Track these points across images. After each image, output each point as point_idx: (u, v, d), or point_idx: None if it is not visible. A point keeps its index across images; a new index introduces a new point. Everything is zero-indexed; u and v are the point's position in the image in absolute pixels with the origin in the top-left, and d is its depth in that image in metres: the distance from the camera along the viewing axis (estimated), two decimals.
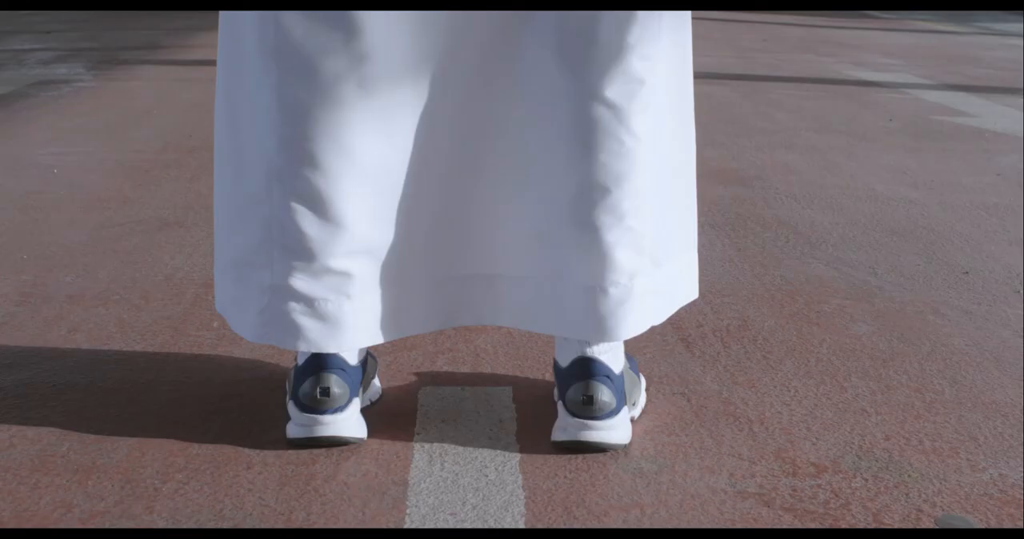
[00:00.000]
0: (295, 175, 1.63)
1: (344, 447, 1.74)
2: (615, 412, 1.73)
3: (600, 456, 1.72)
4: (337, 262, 1.66)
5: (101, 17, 10.64)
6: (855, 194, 3.53)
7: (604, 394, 1.72)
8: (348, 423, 1.74)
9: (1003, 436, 1.82)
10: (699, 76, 6.59)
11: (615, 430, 1.73)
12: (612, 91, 1.63)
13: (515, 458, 1.71)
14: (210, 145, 4.17)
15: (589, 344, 1.73)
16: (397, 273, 1.71)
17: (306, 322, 1.67)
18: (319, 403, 1.72)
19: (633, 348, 2.18)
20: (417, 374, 2.05)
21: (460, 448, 1.75)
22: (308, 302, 1.67)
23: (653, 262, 1.72)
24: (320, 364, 1.73)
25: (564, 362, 1.75)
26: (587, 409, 1.71)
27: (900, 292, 2.57)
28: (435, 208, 1.70)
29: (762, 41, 9.21)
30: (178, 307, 2.40)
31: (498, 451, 1.74)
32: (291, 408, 1.75)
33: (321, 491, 1.60)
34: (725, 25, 10.96)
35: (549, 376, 2.05)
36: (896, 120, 5.05)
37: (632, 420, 1.84)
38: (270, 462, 1.69)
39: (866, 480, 1.66)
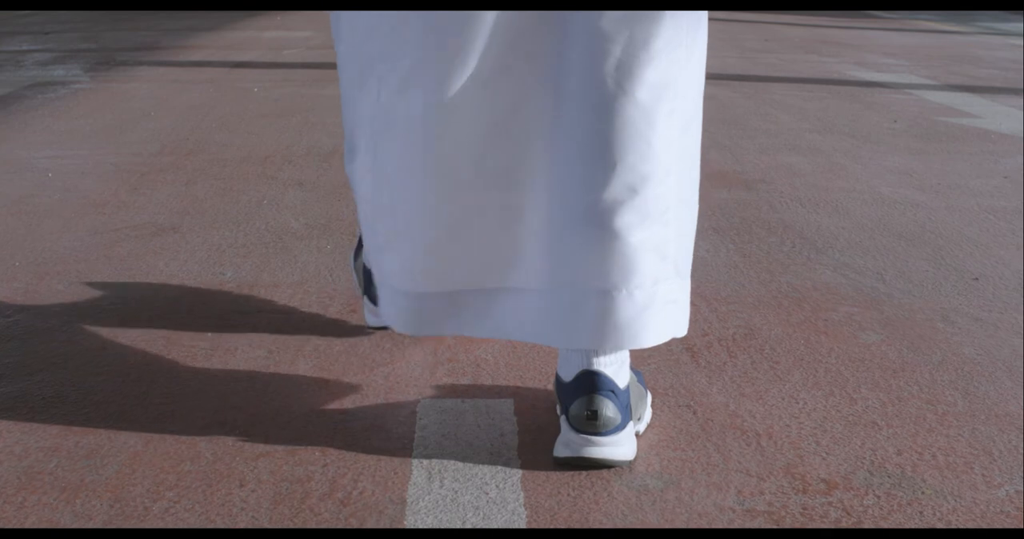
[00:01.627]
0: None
1: (339, 466, 1.69)
2: (620, 428, 1.68)
3: (604, 472, 1.67)
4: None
5: (100, 17, 10.58)
6: (861, 197, 3.48)
7: (609, 409, 1.67)
8: None
9: (1018, 450, 1.77)
10: None
11: (620, 446, 1.68)
12: (642, 93, 1.58)
13: (516, 475, 1.66)
14: (206, 148, 4.12)
15: (596, 355, 1.68)
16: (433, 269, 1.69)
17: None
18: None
19: (637, 358, 2.13)
20: (416, 386, 2.00)
21: (460, 464, 1.70)
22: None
23: (676, 270, 1.67)
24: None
25: (568, 376, 1.70)
26: (591, 425, 1.67)
27: (909, 299, 2.52)
28: (458, 214, 1.66)
29: (763, 41, 9.15)
30: (172, 317, 2.35)
31: (499, 467, 1.69)
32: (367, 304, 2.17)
33: (316, 510, 1.55)
34: (726, 25, 10.90)
35: (551, 387, 1.99)
36: (900, 121, 5.00)
37: (637, 435, 1.78)
38: (264, 479, 1.64)
39: (878, 497, 1.61)
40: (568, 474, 1.66)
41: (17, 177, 3.63)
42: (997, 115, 5.24)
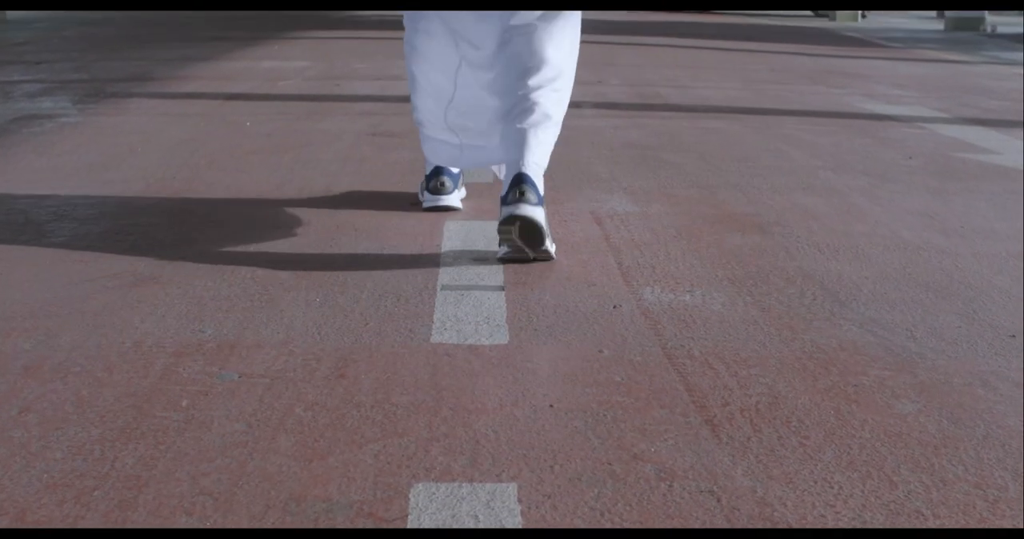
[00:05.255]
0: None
1: None
2: (539, 204, 2.95)
3: None
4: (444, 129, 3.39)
5: (93, 46, 10.43)
6: (882, 243, 3.29)
7: (531, 192, 2.94)
8: (453, 199, 3.55)
9: None
10: (707, 109, 6.37)
11: (538, 212, 2.93)
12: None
13: None
14: (192, 188, 3.93)
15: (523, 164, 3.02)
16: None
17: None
18: (440, 189, 3.53)
19: (652, 433, 1.94)
20: (408, 466, 1.80)
21: None
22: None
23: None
24: (438, 170, 3.54)
25: (507, 178, 2.99)
26: (521, 199, 2.93)
27: (944, 360, 2.33)
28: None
29: (768, 71, 8.99)
30: (144, 381, 2.16)
31: None
32: (425, 194, 3.57)
33: None
34: (730, 54, 10.75)
35: (559, 468, 1.80)
36: (915, 158, 4.82)
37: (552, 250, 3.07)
38: None
39: None
40: None
41: None
42: (1014, 151, 5.06)
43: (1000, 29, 16.40)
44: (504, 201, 2.94)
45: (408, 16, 3.30)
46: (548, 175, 4.03)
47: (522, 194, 2.90)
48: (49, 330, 2.44)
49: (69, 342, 2.37)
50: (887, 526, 1.63)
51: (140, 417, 1.99)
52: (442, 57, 3.24)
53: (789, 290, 2.80)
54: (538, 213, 2.91)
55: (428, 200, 3.56)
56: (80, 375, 2.19)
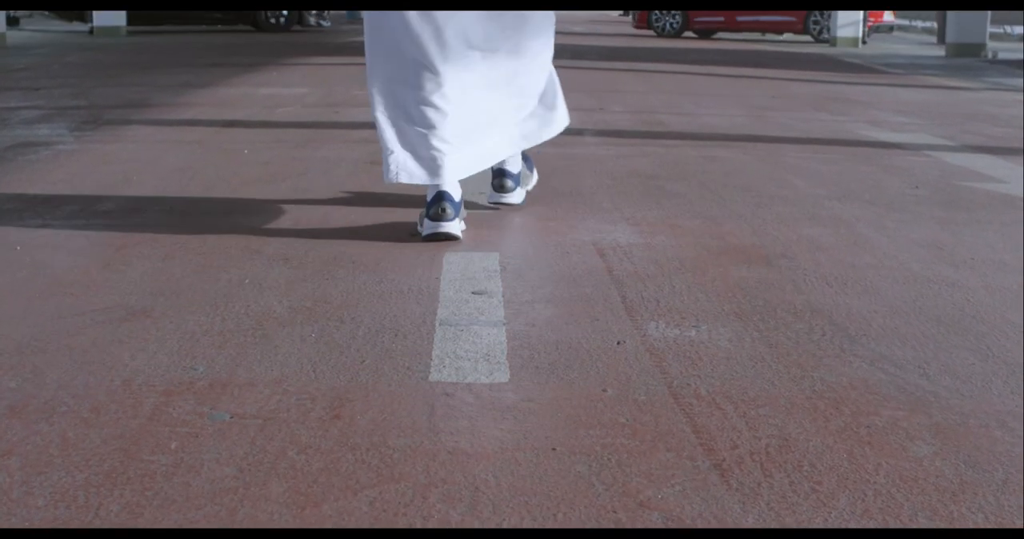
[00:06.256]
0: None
1: None
2: (514, 189, 3.92)
3: None
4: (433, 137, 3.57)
5: (94, 72, 10.40)
6: (891, 275, 3.22)
7: (508, 181, 3.89)
8: (454, 227, 3.50)
9: None
10: (710, 137, 6.32)
11: (516, 196, 3.94)
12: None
13: None
14: (187, 218, 3.87)
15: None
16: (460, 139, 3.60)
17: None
18: (440, 216, 3.48)
19: (659, 479, 1.86)
20: (405, 515, 1.73)
21: None
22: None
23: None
24: (440, 196, 3.49)
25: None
26: (502, 187, 3.91)
27: (958, 400, 2.25)
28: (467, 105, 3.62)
29: (770, 98, 8.95)
30: (133, 422, 2.08)
31: None
32: (424, 221, 3.52)
33: None
34: (732, 81, 10.72)
35: (562, 516, 1.73)
36: (922, 187, 4.75)
37: (527, 191, 4.04)
38: None
39: None
40: None
41: None
42: (1019, 179, 4.99)
43: (1001, 55, 16.41)
44: (492, 183, 3.97)
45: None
46: (549, 204, 3.97)
47: (502, 184, 3.94)
48: (36, 367, 2.37)
49: (56, 380, 2.30)
50: None
51: (127, 461, 1.92)
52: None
53: (797, 325, 2.73)
54: (515, 198, 3.97)
55: (428, 227, 3.49)
56: (66, 415, 2.11)
